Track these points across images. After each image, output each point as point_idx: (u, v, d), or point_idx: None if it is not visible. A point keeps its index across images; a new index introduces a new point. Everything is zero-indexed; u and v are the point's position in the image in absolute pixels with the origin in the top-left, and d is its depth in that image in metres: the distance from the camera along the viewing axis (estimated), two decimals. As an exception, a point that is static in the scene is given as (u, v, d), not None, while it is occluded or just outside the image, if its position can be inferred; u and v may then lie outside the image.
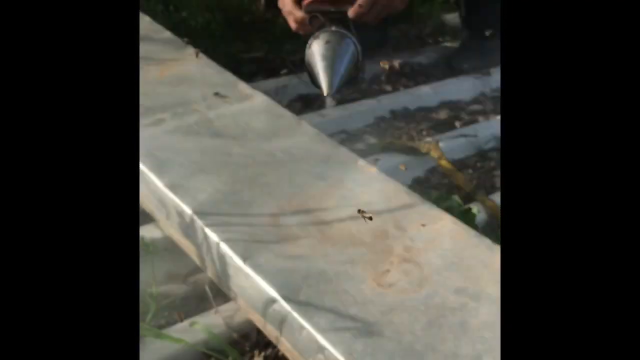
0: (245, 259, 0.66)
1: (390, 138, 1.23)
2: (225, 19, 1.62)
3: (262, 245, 0.68)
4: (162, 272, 0.87)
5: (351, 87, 1.46)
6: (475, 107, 1.41)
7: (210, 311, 0.76)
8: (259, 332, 0.72)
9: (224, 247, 0.68)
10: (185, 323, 0.75)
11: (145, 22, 1.21)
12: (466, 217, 0.81)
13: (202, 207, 0.73)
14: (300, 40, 1.61)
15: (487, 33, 1.52)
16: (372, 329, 0.58)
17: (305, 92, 1.41)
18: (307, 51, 0.99)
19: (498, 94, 1.47)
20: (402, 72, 1.55)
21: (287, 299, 0.61)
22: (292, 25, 1.19)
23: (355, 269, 0.65)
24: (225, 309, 0.78)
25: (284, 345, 0.63)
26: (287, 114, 0.94)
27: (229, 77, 1.04)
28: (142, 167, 0.80)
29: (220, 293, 0.85)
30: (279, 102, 1.02)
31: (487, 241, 0.70)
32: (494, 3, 1.45)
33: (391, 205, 0.75)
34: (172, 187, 0.76)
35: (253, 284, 0.65)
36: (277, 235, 0.70)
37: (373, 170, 0.82)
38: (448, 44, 1.71)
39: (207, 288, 0.84)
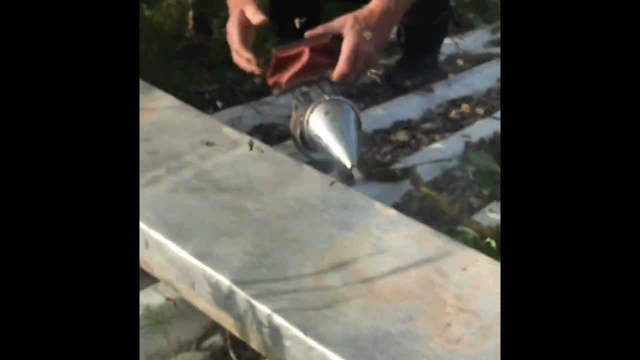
0: (305, 330, 0.63)
1: (364, 167, 1.23)
2: (160, 47, 1.54)
3: (317, 313, 0.65)
4: (172, 340, 0.82)
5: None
6: (428, 125, 1.44)
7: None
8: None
9: (278, 319, 0.64)
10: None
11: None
12: (489, 251, 0.82)
13: (239, 275, 0.69)
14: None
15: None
16: (459, 390, 0.58)
17: (259, 123, 1.37)
18: (306, 126, 0.93)
19: (443, 109, 1.52)
20: (350, 94, 1.55)
21: (364, 370, 0.59)
22: (244, 65, 1.14)
23: (417, 326, 0.64)
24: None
25: (360, 417, 0.61)
26: (285, 158, 0.91)
27: (209, 121, 0.99)
28: (156, 234, 0.74)
29: (242, 356, 0.81)
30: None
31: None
32: (430, 21, 1.49)
33: (425, 250, 0.74)
34: (200, 257, 0.71)
35: (320, 356, 0.61)
36: (326, 299, 0.67)
37: (392, 212, 0.81)
38: (384, 62, 1.74)
39: (232, 354, 0.80)
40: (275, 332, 0.65)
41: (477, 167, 1.23)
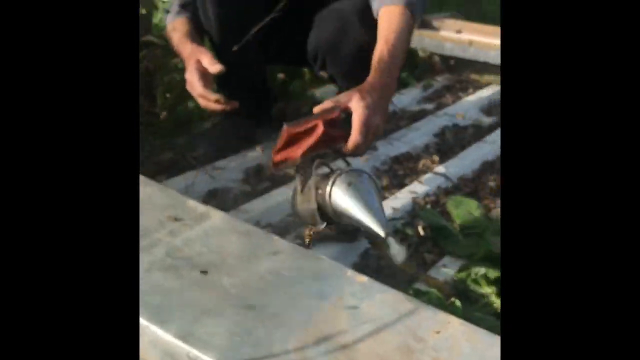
0: (297, 406, 0.64)
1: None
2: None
3: (305, 387, 0.67)
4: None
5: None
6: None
7: None
8: None
9: (268, 397, 0.66)
10: None
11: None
12: (454, 310, 0.87)
13: (225, 355, 0.70)
14: (192, 134, 1.60)
15: None
16: None
17: (213, 187, 1.39)
18: (328, 199, 0.94)
19: (387, 167, 1.59)
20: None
21: None
22: (214, 107, 1.22)
23: (402, 393, 0.67)
24: None
25: None
26: (253, 229, 0.93)
27: (173, 195, 1.00)
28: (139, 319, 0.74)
29: None
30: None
31: (496, 338, 0.76)
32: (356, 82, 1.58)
33: (400, 315, 0.78)
34: (183, 337, 0.71)
35: None
36: (313, 372, 0.69)
37: (364, 279, 0.84)
38: (327, 119, 1.80)
39: None
40: (267, 411, 0.66)
41: (427, 223, 1.30)
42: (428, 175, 1.52)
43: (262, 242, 0.90)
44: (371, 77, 1.11)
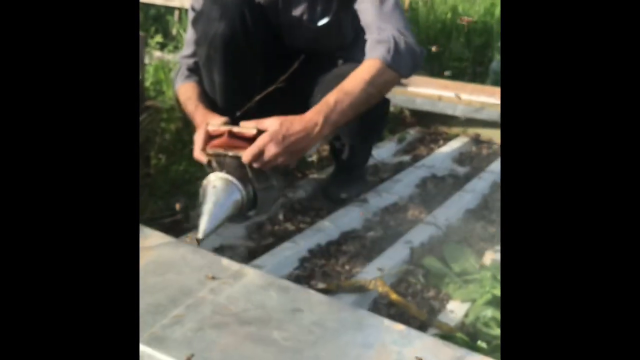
0: None
1: (332, 280, 1.32)
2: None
3: None
4: None
5: (239, 222, 1.54)
6: (372, 234, 1.58)
7: None
8: None
9: None
10: None
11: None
12: (484, 351, 0.93)
13: (293, 405, 0.74)
14: (189, 194, 1.64)
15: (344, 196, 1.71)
16: None
17: (219, 244, 1.43)
18: (200, 190, 1.18)
19: (379, 218, 1.67)
20: (295, 209, 1.66)
21: None
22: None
23: None
24: None
25: None
26: (289, 284, 0.98)
27: (204, 254, 1.04)
28: (201, 375, 0.77)
29: None
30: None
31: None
32: (368, 141, 1.67)
33: (443, 359, 0.84)
34: (251, 391, 0.75)
35: None
36: (376, 416, 0.74)
37: (401, 327, 0.90)
38: (315, 176, 1.88)
39: None
40: None
41: (430, 270, 1.37)
42: (419, 226, 1.60)
43: (300, 296, 0.95)
44: (305, 115, 1.23)
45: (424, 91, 2.33)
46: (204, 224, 1.09)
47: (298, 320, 0.89)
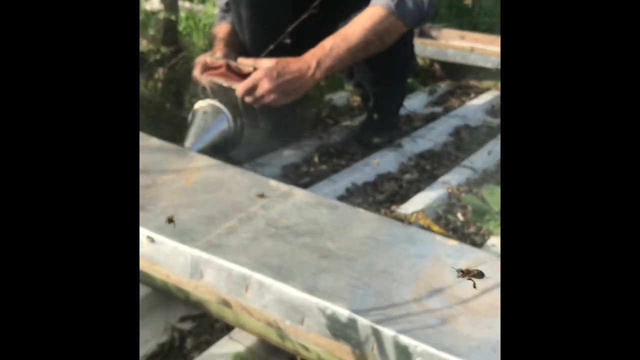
0: (434, 345, 0.69)
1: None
2: (149, 119, 1.57)
3: (435, 330, 0.72)
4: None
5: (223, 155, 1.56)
6: (407, 176, 1.57)
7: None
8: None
9: (404, 339, 0.70)
10: None
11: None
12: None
13: (354, 305, 0.74)
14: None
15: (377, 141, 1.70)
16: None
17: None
18: (190, 112, 1.25)
19: (414, 162, 1.66)
20: (329, 152, 1.65)
21: (499, 371, 0.66)
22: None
23: (521, 333, 0.73)
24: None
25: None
26: (338, 203, 0.98)
27: (252, 175, 1.04)
28: (259, 277, 0.78)
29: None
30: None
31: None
32: (381, 85, 1.65)
33: (497, 272, 0.84)
34: (310, 291, 0.76)
35: (453, 367, 0.68)
36: (437, 319, 0.74)
37: (454, 242, 0.90)
38: (348, 123, 1.87)
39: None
40: (402, 352, 0.70)
41: (470, 207, 1.36)
42: (456, 169, 1.59)
43: (350, 213, 0.95)
44: (301, 57, 1.24)
45: (456, 43, 2.30)
46: (188, 144, 1.17)
47: (350, 234, 0.89)
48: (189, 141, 1.21)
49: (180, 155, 1.09)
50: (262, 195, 0.97)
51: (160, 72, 1.62)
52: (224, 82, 1.26)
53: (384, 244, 0.87)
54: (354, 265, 0.82)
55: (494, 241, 1.27)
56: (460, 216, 1.38)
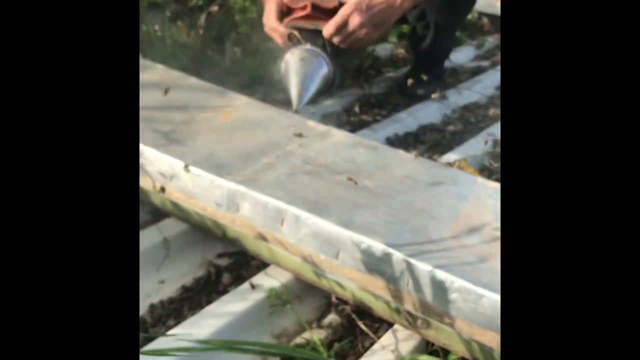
0: (472, 281, 0.67)
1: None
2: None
3: (473, 267, 0.70)
4: (291, 322, 0.84)
5: (325, 99, 1.51)
6: (451, 127, 1.53)
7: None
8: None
9: (441, 274, 0.69)
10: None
11: (160, 70, 1.14)
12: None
13: (389, 239, 0.73)
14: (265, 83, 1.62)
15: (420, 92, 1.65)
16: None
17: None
18: (282, 65, 1.10)
19: (459, 114, 1.61)
20: (371, 102, 1.63)
21: (539, 308, 0.64)
22: (278, 40, 1.25)
23: (563, 273, 0.70)
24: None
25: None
26: (377, 144, 0.96)
27: (291, 116, 1.03)
28: (295, 210, 0.77)
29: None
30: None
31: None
32: (458, 20, 1.59)
33: (540, 213, 0.81)
34: (346, 225, 0.74)
35: (491, 304, 0.66)
36: (475, 256, 0.72)
37: (496, 185, 0.87)
38: (392, 74, 1.83)
39: (361, 324, 0.83)
40: (438, 287, 0.69)
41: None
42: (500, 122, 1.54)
43: (390, 154, 0.93)
44: None
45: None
46: (297, 95, 1.01)
47: (388, 173, 0.87)
48: (296, 92, 1.03)
49: (219, 94, 1.08)
50: (300, 135, 0.96)
51: (202, 19, 1.61)
52: (309, 25, 1.15)
53: (424, 183, 0.85)
54: (391, 202, 0.80)
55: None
56: (504, 167, 1.34)
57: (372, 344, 0.81)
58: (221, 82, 1.57)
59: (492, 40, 2.26)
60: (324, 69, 1.12)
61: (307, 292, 0.89)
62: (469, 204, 0.82)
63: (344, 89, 1.66)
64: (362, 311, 0.85)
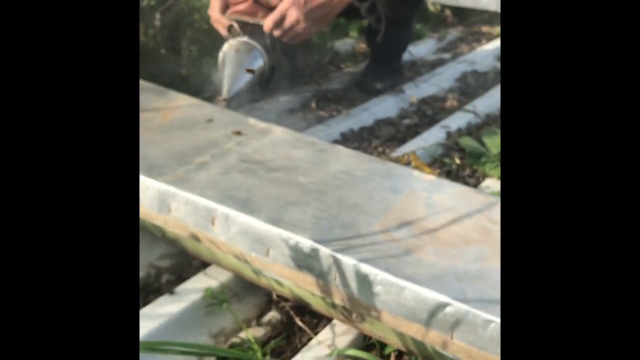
0: (394, 273, 0.68)
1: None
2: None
3: (398, 259, 0.70)
4: (230, 320, 0.84)
5: (257, 94, 1.53)
6: (407, 121, 1.53)
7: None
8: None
9: (365, 267, 0.69)
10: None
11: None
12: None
13: (317, 235, 0.73)
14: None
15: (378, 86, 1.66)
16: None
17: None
18: (220, 55, 1.18)
19: (416, 108, 1.62)
20: (328, 98, 1.62)
21: (460, 300, 0.65)
22: (222, 32, 1.26)
23: (490, 264, 0.71)
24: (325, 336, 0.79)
25: (456, 346, 0.66)
26: (317, 140, 0.96)
27: (231, 114, 1.03)
28: (225, 209, 0.77)
29: (304, 323, 0.84)
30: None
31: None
32: (399, 31, 1.60)
33: (472, 204, 0.81)
34: (275, 222, 0.74)
35: (413, 295, 0.66)
36: (402, 249, 0.72)
37: (432, 177, 0.88)
38: (351, 70, 1.83)
39: (298, 321, 0.83)
40: (363, 281, 0.69)
41: (466, 149, 1.33)
42: (457, 113, 1.55)
43: (328, 149, 0.93)
44: None
45: (467, -13, 2.22)
46: (227, 84, 1.09)
47: (325, 169, 0.87)
48: (227, 82, 1.14)
49: (159, 94, 1.07)
50: (238, 133, 0.95)
51: (156, 17, 1.59)
52: (250, 19, 1.20)
53: (359, 178, 0.86)
54: (324, 198, 0.80)
55: (489, 183, 1.24)
56: (457, 159, 1.34)
57: (310, 339, 0.82)
58: (177, 81, 1.56)
59: (455, 33, 2.27)
60: (258, 62, 1.19)
61: (248, 290, 0.89)
62: (402, 197, 0.82)
63: (301, 86, 1.66)
64: (302, 307, 0.85)
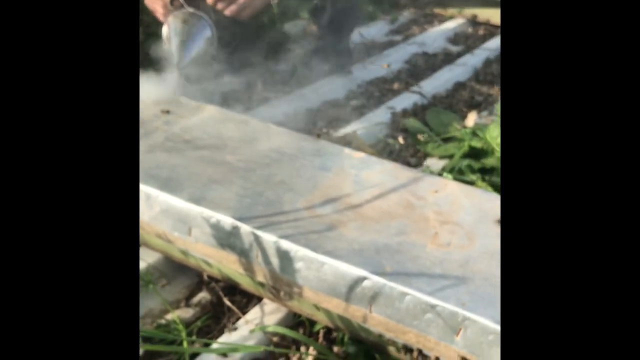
0: (314, 249, 0.67)
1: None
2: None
3: (319, 235, 0.70)
4: (159, 301, 0.83)
5: (208, 66, 1.51)
6: (354, 102, 1.53)
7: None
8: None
9: (286, 244, 0.68)
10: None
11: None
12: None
13: (239, 213, 0.72)
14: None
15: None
16: (463, 280, 0.65)
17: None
18: (164, 29, 1.15)
19: (363, 89, 1.61)
20: (275, 79, 1.61)
21: (377, 273, 0.65)
22: (158, 10, 1.25)
23: (410, 238, 0.71)
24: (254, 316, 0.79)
25: (375, 320, 0.66)
26: (249, 118, 0.95)
27: (164, 93, 1.00)
28: (146, 189, 0.75)
29: (234, 303, 0.83)
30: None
31: (493, 194, 0.80)
32: (347, 12, 1.59)
33: (399, 180, 0.81)
34: (196, 201, 0.73)
35: (332, 270, 0.66)
36: (324, 225, 0.72)
37: (362, 154, 0.87)
38: (299, 51, 1.81)
39: (227, 301, 0.82)
40: (284, 257, 0.69)
41: (409, 130, 1.33)
42: (404, 94, 1.55)
43: (260, 128, 0.92)
44: None
45: (418, -31, 2.22)
46: (179, 54, 1.07)
47: (254, 147, 0.86)
48: (176, 54, 1.10)
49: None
50: (167, 112, 0.94)
51: None
52: None
53: (289, 156, 0.85)
54: (250, 176, 0.79)
55: (430, 162, 1.25)
56: (400, 140, 1.35)
57: (238, 319, 0.81)
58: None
59: (407, 15, 2.27)
60: (207, 32, 1.17)
61: (179, 271, 0.87)
62: (331, 174, 0.82)
63: (248, 67, 1.64)
64: (233, 288, 0.84)
